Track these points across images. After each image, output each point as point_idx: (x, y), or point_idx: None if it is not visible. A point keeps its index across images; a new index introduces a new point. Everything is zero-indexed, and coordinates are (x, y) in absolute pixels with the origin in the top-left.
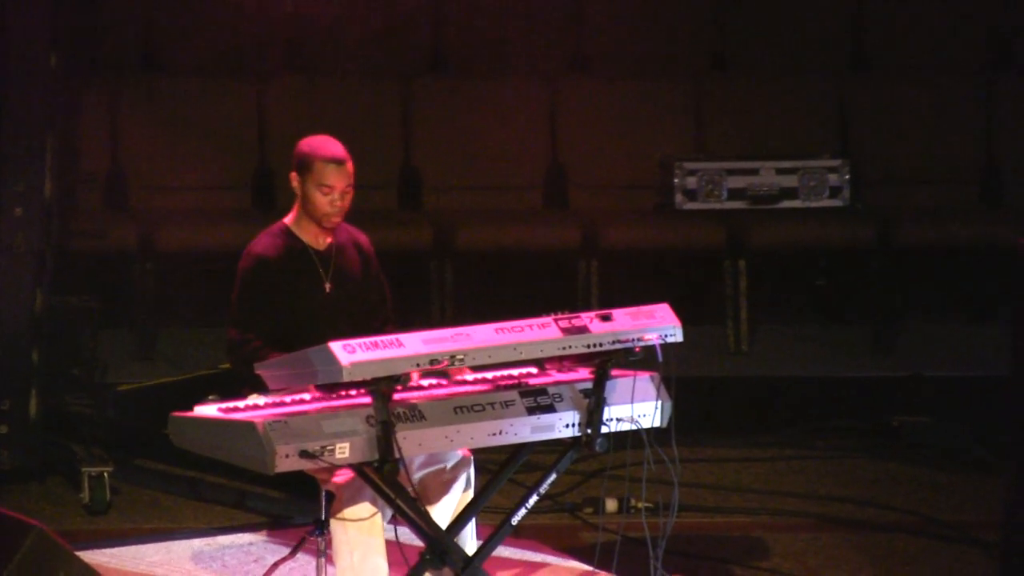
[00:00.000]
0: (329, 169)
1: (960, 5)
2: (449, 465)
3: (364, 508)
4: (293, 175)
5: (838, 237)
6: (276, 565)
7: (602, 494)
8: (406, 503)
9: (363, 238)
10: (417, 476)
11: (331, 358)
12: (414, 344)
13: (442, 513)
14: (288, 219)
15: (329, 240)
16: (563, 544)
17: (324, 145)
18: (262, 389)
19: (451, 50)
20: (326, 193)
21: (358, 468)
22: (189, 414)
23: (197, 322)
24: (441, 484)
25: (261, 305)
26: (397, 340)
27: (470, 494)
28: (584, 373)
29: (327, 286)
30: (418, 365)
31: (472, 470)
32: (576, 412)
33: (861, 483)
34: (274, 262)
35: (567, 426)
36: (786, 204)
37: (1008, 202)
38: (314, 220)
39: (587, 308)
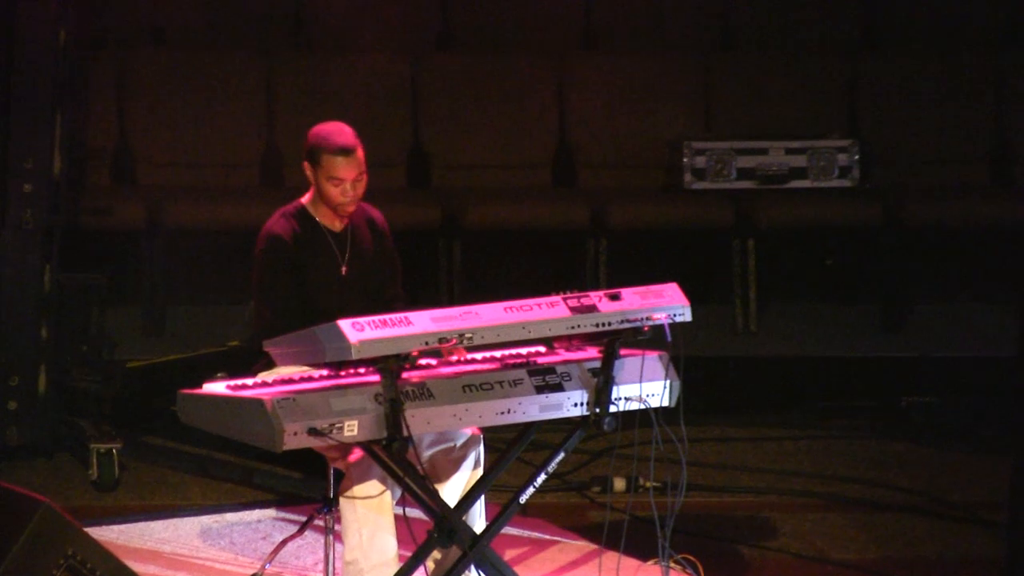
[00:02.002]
0: (337, 161)
1: None
2: (459, 443)
3: (373, 486)
4: (305, 164)
5: (847, 217)
6: (284, 542)
7: (610, 473)
8: (414, 481)
9: (377, 214)
10: (426, 454)
11: (339, 336)
12: (423, 322)
13: (451, 491)
14: (305, 199)
15: (345, 222)
16: (571, 523)
17: (332, 135)
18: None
19: (459, 28)
20: (336, 185)
21: (366, 446)
22: (197, 391)
23: (205, 299)
24: (450, 462)
25: (282, 285)
26: (406, 318)
27: (479, 472)
28: (592, 352)
29: (343, 269)
30: (427, 343)
31: (481, 448)
32: (584, 391)
33: (869, 463)
34: (291, 243)
35: (575, 405)
36: (795, 184)
37: (1018, 181)
38: (329, 208)
39: (595, 287)
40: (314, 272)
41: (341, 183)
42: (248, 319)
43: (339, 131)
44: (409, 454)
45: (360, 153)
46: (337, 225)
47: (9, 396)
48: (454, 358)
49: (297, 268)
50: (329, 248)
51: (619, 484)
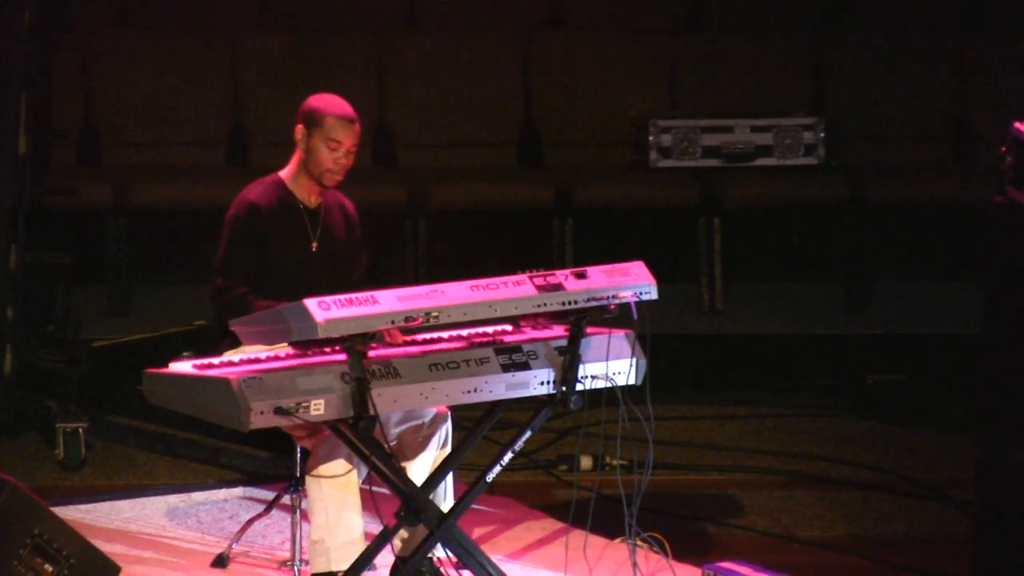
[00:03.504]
0: (341, 125)
1: None
2: (427, 422)
3: (339, 465)
4: (299, 128)
5: (812, 195)
6: (251, 521)
7: (577, 451)
8: (381, 460)
9: (350, 204)
10: (394, 432)
11: (306, 315)
12: (389, 301)
13: (419, 470)
14: (283, 172)
15: (320, 200)
16: (538, 501)
17: (336, 103)
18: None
19: (424, 6)
20: (333, 148)
21: (333, 425)
22: (164, 371)
23: (171, 279)
24: (418, 441)
25: (249, 253)
26: (372, 297)
27: (447, 451)
28: (559, 331)
29: (314, 244)
30: (393, 322)
31: (449, 426)
32: (551, 369)
33: (835, 441)
34: (265, 211)
35: (542, 383)
36: (761, 162)
37: (981, 160)
38: (314, 176)
39: (562, 266)
40: (284, 245)
41: (338, 147)
42: (210, 296)
43: (342, 101)
44: (376, 432)
45: (359, 128)
46: (313, 201)
47: None
48: (395, 342)
49: (266, 239)
50: (302, 222)
51: (586, 462)
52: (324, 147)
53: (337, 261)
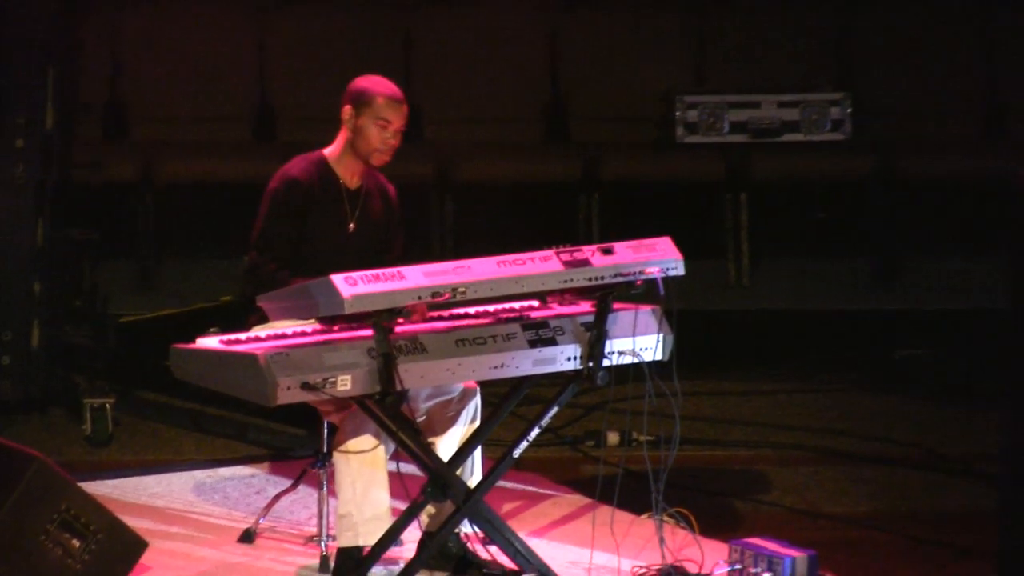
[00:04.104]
0: (390, 105)
1: None
2: (456, 397)
3: (366, 440)
4: (347, 108)
5: (839, 170)
6: (278, 497)
7: (603, 427)
8: (408, 436)
9: (392, 189)
10: (424, 407)
11: (332, 290)
12: (415, 277)
13: (448, 445)
14: (328, 151)
15: (360, 182)
16: (564, 477)
17: (384, 83)
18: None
19: None
20: (383, 127)
21: (360, 401)
22: (191, 346)
23: (198, 254)
24: (448, 416)
25: (286, 228)
26: (398, 273)
27: (476, 426)
28: (586, 306)
29: (351, 225)
30: (419, 298)
31: (478, 401)
32: (578, 345)
33: (861, 416)
34: (306, 186)
35: (569, 359)
36: (787, 137)
37: (1010, 134)
38: (362, 156)
39: (588, 241)
40: (322, 223)
41: (387, 126)
42: (243, 270)
43: (390, 82)
44: (405, 407)
45: (406, 108)
46: (354, 182)
47: (2, 351)
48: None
49: (304, 215)
50: (341, 202)
51: (612, 438)
52: (373, 127)
53: (372, 244)
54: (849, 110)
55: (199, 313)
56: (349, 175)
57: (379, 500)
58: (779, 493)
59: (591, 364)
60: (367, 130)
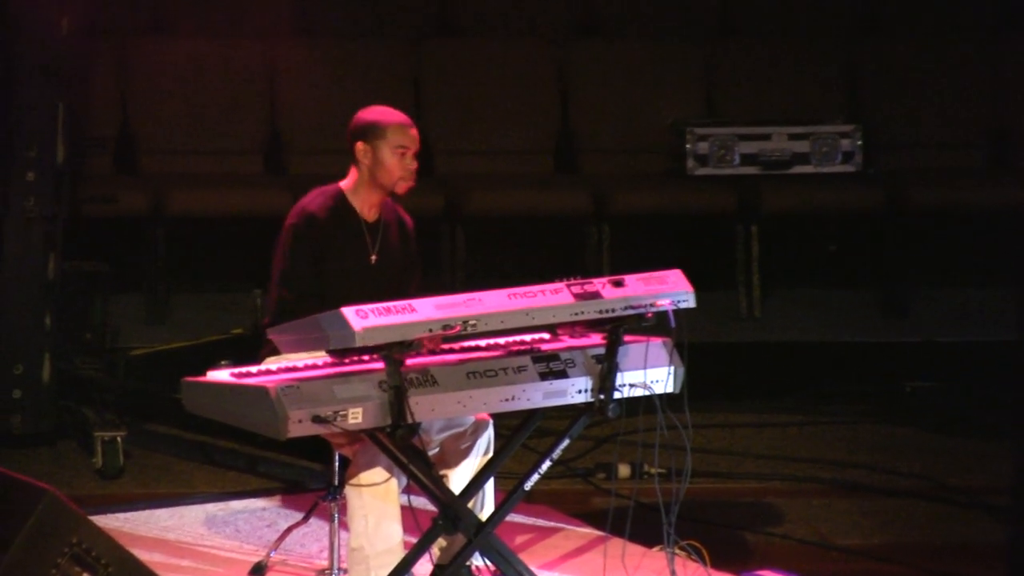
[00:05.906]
0: (402, 131)
1: None
2: (468, 429)
3: (378, 473)
4: (359, 145)
5: (850, 202)
6: (289, 530)
7: (615, 460)
8: (419, 468)
9: (409, 220)
10: (436, 439)
11: (343, 323)
12: (427, 309)
13: (461, 477)
14: (344, 184)
15: (378, 214)
16: (576, 510)
17: (389, 112)
18: None
19: (460, 12)
20: (402, 155)
21: (371, 433)
22: (201, 379)
23: (209, 287)
24: (460, 449)
25: (309, 262)
26: (409, 306)
27: (489, 457)
28: (596, 339)
29: (373, 257)
30: (431, 330)
31: (491, 433)
32: (589, 378)
33: (872, 448)
34: (324, 221)
35: (580, 392)
36: (798, 169)
37: (1017, 165)
38: (386, 187)
39: (599, 274)
40: (343, 257)
41: (406, 152)
42: (255, 305)
43: (391, 108)
44: (417, 440)
45: (416, 131)
46: (372, 215)
47: (13, 384)
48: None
49: (324, 249)
50: (361, 235)
51: (624, 471)
52: (392, 157)
53: (395, 274)
54: (860, 142)
55: (210, 346)
56: (367, 208)
57: (391, 533)
58: (790, 525)
59: (602, 396)
60: (387, 162)
